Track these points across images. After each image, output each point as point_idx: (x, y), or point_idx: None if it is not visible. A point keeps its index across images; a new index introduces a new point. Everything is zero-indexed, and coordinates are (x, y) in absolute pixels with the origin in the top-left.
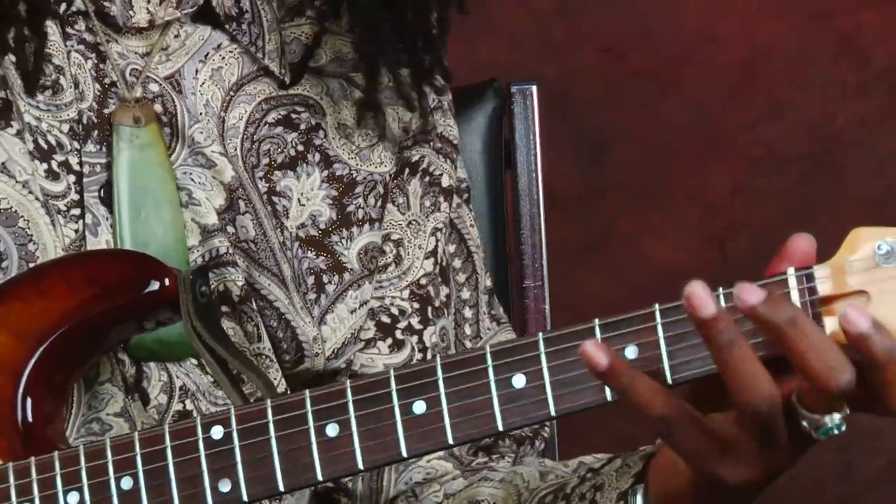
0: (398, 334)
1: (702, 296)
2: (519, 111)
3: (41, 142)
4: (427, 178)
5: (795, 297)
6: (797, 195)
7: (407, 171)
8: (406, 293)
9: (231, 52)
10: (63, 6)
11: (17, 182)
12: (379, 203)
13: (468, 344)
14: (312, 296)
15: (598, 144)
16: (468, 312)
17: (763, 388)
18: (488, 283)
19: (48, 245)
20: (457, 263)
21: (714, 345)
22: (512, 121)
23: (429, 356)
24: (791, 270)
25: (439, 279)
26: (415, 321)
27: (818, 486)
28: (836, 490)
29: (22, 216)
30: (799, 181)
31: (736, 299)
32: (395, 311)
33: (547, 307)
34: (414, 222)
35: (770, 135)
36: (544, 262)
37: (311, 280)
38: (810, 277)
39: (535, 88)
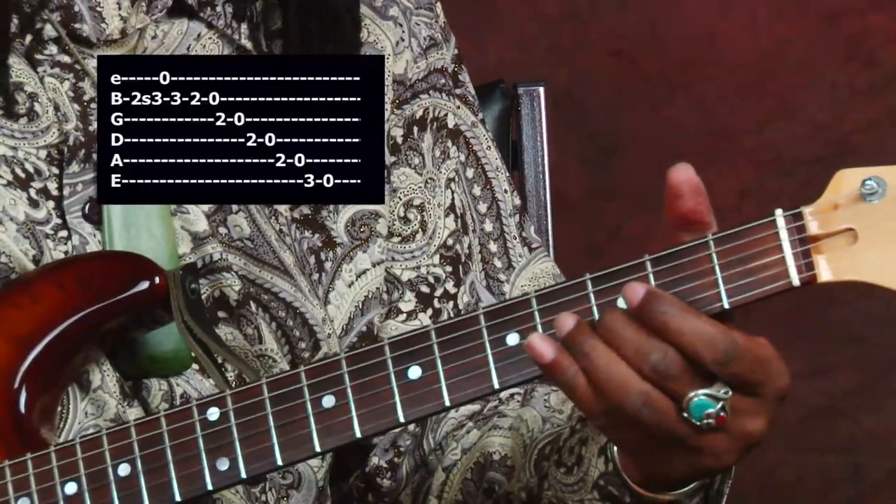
0: (436, 303)
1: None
2: (526, 112)
3: (18, 171)
4: (435, 125)
5: (784, 236)
6: (806, 198)
7: (416, 128)
8: (437, 258)
9: (211, 38)
10: (29, 37)
11: None
12: None
13: (502, 278)
14: (316, 276)
15: (606, 147)
16: (494, 246)
17: (630, 386)
18: (516, 201)
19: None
20: (476, 191)
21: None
22: (519, 122)
23: None
24: (779, 211)
25: (461, 231)
26: (449, 285)
27: (826, 488)
28: (843, 492)
29: (3, 252)
30: (808, 184)
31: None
32: (431, 279)
33: None
34: (430, 180)
35: (779, 138)
36: None
37: (312, 260)
38: (798, 216)
39: (542, 90)
